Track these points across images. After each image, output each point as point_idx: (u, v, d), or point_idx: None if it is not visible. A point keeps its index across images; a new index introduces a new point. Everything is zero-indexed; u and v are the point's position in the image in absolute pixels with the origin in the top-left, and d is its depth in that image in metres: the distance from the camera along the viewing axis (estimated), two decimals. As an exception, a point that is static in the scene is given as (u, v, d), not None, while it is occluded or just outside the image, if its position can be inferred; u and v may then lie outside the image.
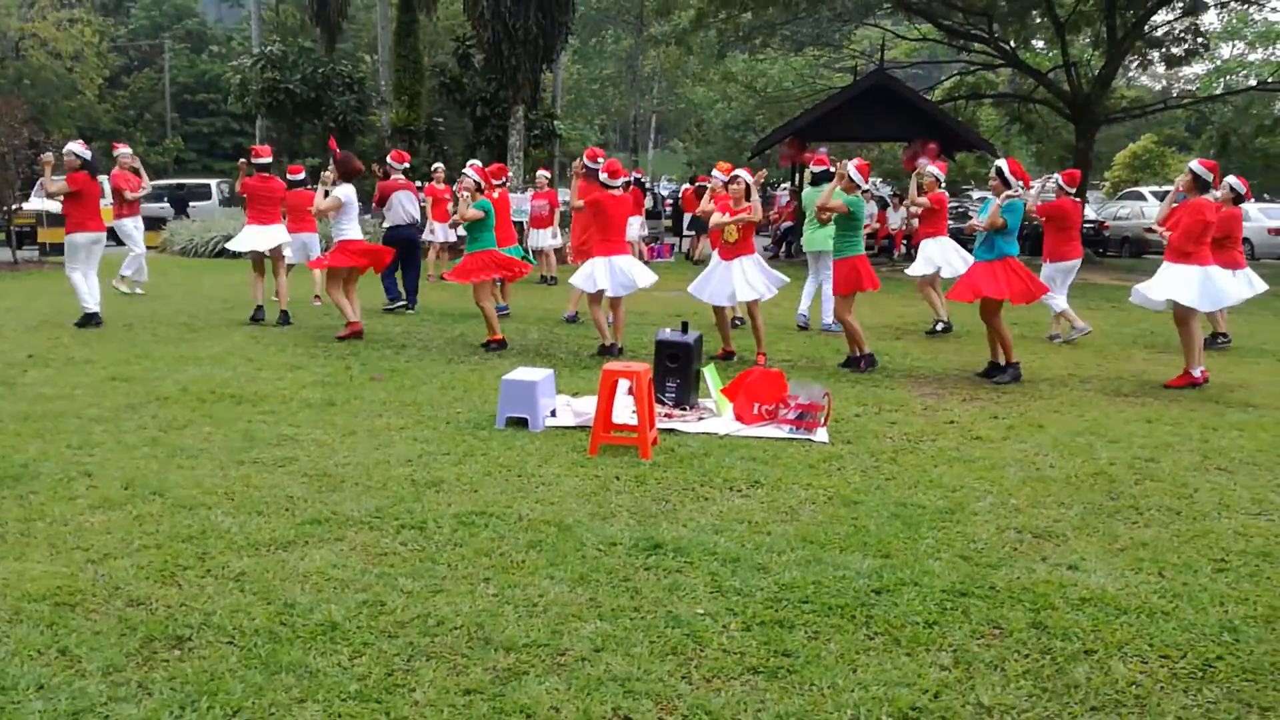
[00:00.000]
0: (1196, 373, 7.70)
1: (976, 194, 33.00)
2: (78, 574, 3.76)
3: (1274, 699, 3.07)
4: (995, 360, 7.98)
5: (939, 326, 10.42)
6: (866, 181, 8.15)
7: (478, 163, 9.36)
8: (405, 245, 11.14)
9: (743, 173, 8.38)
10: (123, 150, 12.27)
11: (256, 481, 4.92)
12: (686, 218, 20.09)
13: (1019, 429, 6.32)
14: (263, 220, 10.34)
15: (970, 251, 8.64)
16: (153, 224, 17.87)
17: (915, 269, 10.47)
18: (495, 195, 10.81)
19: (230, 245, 10.21)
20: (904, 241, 20.90)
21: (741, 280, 8.33)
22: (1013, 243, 7.71)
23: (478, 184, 8.75)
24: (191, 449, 5.48)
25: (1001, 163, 7.86)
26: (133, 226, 12.20)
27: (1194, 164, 7.74)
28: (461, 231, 9.53)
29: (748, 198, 8.26)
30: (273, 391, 6.95)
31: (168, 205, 24.38)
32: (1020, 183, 7.74)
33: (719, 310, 8.70)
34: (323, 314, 10.99)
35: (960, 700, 3.02)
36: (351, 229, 9.31)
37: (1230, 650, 3.37)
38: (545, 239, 15.10)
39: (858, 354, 8.23)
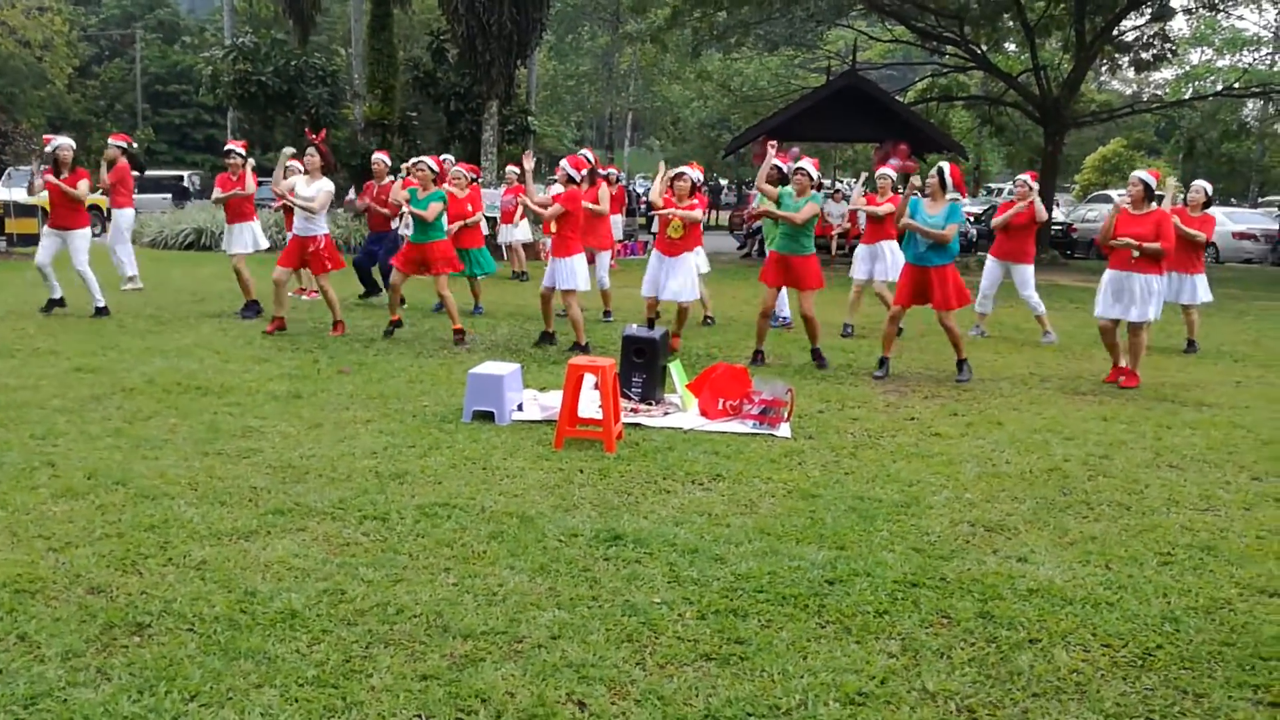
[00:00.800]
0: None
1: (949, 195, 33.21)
2: (38, 562, 3.78)
3: (1209, 686, 3.17)
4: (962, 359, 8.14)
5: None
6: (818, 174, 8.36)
7: (451, 157, 9.37)
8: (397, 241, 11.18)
9: (689, 170, 8.52)
10: (121, 142, 12.41)
11: (220, 472, 4.94)
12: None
13: (978, 426, 6.43)
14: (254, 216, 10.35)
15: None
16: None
17: (877, 273, 10.35)
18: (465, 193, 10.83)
19: (257, 247, 10.28)
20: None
21: (679, 280, 8.49)
22: None
23: (434, 172, 8.82)
24: (156, 440, 5.48)
25: (945, 165, 7.97)
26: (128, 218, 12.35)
27: (1145, 175, 7.81)
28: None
29: (692, 195, 8.40)
30: (239, 384, 6.95)
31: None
32: (957, 191, 7.87)
33: (652, 301, 8.79)
34: (306, 308, 10.93)
35: (906, 686, 3.10)
36: (324, 223, 9.24)
37: (1170, 639, 3.47)
38: (516, 234, 15.11)
39: (817, 347, 8.41)
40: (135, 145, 12.34)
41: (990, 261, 10.27)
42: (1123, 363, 8.00)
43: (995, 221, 10.15)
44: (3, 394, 6.44)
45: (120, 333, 8.90)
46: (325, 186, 9.08)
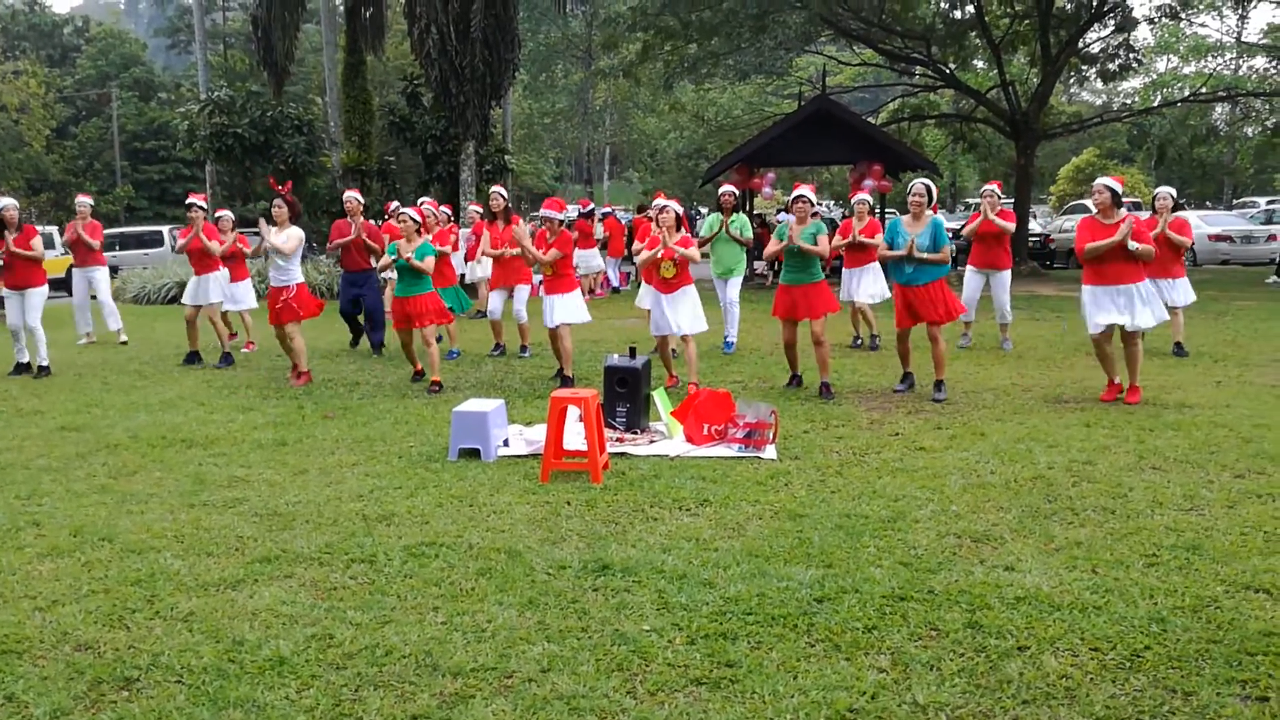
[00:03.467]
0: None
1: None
2: (25, 622, 3.76)
3: (1197, 684, 3.18)
4: (909, 371, 8.27)
5: (877, 342, 10.75)
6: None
7: (428, 201, 9.35)
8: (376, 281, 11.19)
9: (672, 204, 8.33)
10: (85, 200, 12.66)
11: (206, 523, 4.93)
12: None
13: (961, 438, 6.47)
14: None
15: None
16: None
17: (872, 295, 10.56)
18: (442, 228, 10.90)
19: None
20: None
21: (686, 313, 8.33)
22: None
23: (417, 223, 8.73)
24: (141, 494, 5.47)
25: (928, 182, 8.00)
26: (104, 274, 12.61)
27: (1111, 181, 7.55)
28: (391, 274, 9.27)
29: (679, 230, 8.26)
30: (224, 434, 6.95)
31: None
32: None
33: (662, 340, 8.64)
34: (275, 355, 10.94)
35: (897, 700, 3.11)
36: (298, 272, 9.15)
37: (1158, 640, 3.49)
38: (479, 271, 15.17)
39: (826, 380, 8.34)
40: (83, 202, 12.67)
41: (970, 271, 10.43)
42: (1118, 379, 7.67)
43: (967, 230, 10.41)
44: (-14, 457, 6.42)
45: (104, 389, 8.89)
46: (296, 234, 9.02)
